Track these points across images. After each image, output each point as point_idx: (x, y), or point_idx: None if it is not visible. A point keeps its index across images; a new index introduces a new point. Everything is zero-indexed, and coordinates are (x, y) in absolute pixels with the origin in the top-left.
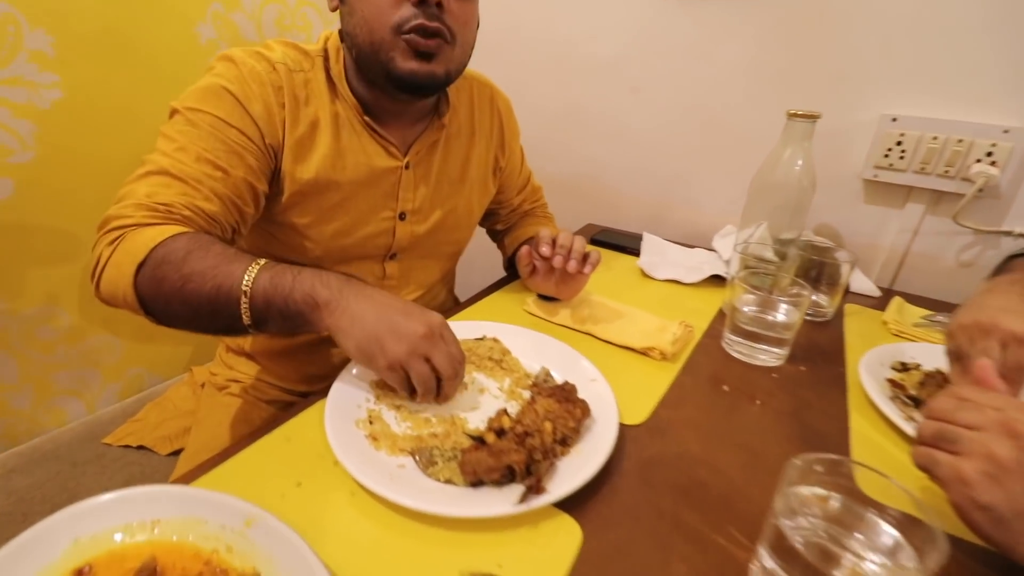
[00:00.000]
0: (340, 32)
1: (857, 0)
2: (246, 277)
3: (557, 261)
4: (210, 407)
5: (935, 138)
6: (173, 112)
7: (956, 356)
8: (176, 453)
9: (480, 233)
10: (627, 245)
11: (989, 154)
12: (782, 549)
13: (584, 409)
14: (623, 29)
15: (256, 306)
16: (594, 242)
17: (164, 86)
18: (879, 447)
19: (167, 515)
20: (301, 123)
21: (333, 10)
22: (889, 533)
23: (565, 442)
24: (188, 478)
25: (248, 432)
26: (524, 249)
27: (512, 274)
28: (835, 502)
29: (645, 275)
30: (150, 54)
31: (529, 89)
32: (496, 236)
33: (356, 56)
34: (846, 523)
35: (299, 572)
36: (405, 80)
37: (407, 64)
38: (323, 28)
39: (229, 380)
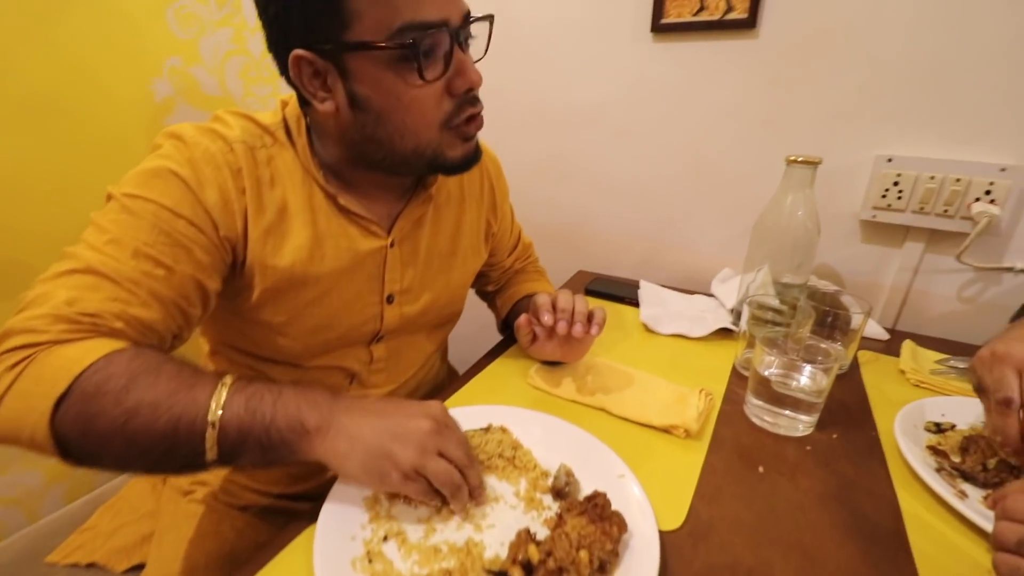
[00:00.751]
0: (303, 104)
1: (845, 42)
2: (213, 404)
3: (561, 327)
4: (173, 516)
5: (932, 177)
6: (109, 198)
7: (979, 390)
8: (135, 569)
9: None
10: (623, 294)
11: (988, 192)
12: None
13: (621, 525)
14: (605, 76)
15: (228, 438)
16: (588, 292)
17: (111, 152)
18: (939, 534)
19: None
20: (267, 209)
21: (330, 113)
22: None
23: (603, 568)
24: None
25: (220, 550)
26: (523, 318)
27: (508, 337)
28: None
29: (648, 330)
30: (95, 115)
31: (511, 141)
32: (487, 296)
33: (381, 157)
34: None
35: None
36: (458, 166)
37: (456, 152)
38: None
39: (194, 483)
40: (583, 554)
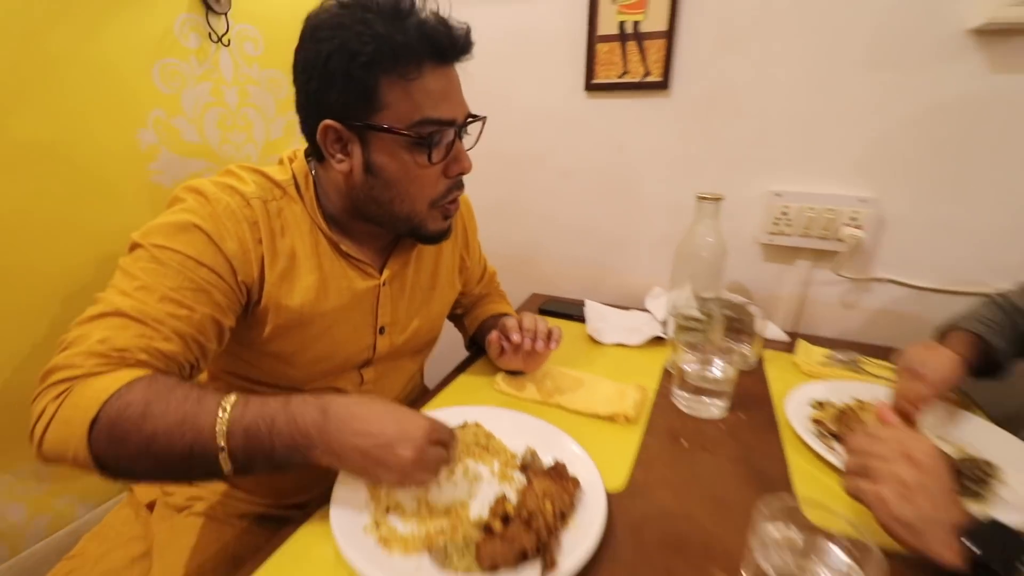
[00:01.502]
0: (317, 160)
1: (739, 100)
2: (218, 431)
3: (527, 344)
4: (170, 533)
5: (812, 208)
6: (135, 246)
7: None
8: None
9: None
10: (571, 312)
11: (854, 219)
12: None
13: (576, 484)
14: (550, 126)
15: (238, 459)
16: (541, 311)
17: (102, 194)
18: (815, 479)
19: None
20: (280, 256)
21: (345, 172)
22: (838, 556)
23: (564, 517)
24: None
25: (225, 555)
26: (493, 335)
27: (474, 353)
28: (794, 535)
29: (594, 341)
30: (89, 161)
31: (474, 184)
32: (455, 318)
33: (379, 215)
34: (805, 552)
35: None
36: (433, 238)
37: (436, 226)
38: (263, 128)
39: (190, 499)
40: (548, 505)
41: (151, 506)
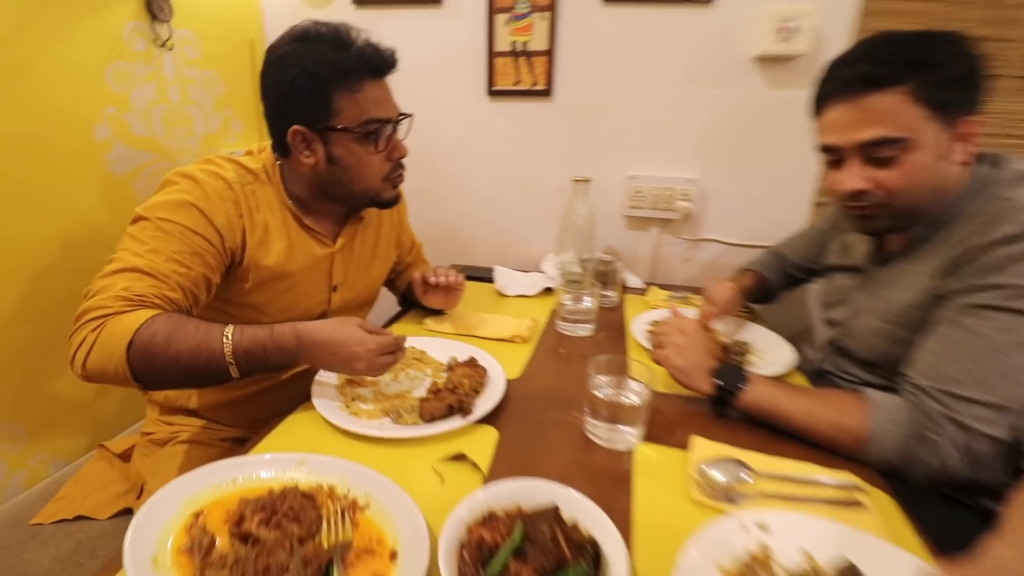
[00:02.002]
0: (280, 155)
1: (604, 105)
2: (226, 351)
3: (442, 281)
4: (157, 463)
5: (657, 187)
6: (140, 218)
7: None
8: (119, 515)
9: None
10: (485, 276)
11: (685, 194)
12: (593, 408)
13: (485, 371)
14: (460, 123)
15: (242, 368)
16: None
17: (65, 180)
18: (640, 354)
19: (240, 475)
20: (257, 228)
21: (311, 164)
22: (638, 388)
23: (477, 390)
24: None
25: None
26: (418, 277)
27: (405, 308)
28: (616, 379)
29: (501, 294)
30: (52, 153)
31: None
32: (389, 284)
33: (341, 193)
34: (622, 388)
35: (359, 477)
36: (388, 203)
37: (390, 194)
38: (203, 122)
39: (172, 433)
40: (466, 381)
41: (124, 455)
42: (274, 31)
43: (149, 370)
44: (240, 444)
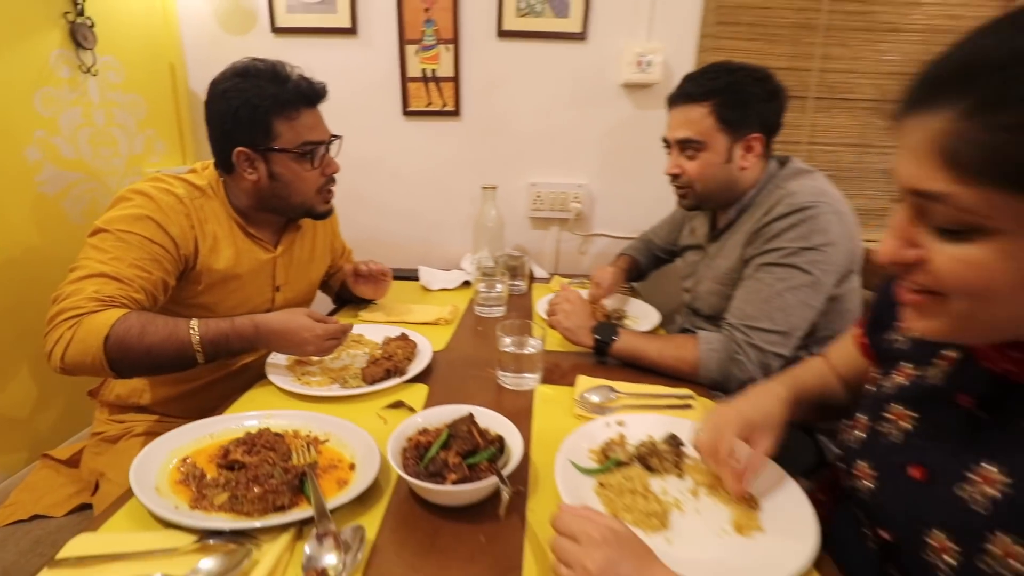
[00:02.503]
0: (224, 172)
1: (506, 122)
2: (193, 340)
3: (374, 268)
4: (114, 454)
5: (553, 192)
6: (100, 230)
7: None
8: (75, 511)
9: None
10: (411, 276)
11: (576, 197)
12: (502, 362)
13: (415, 343)
14: (380, 140)
15: (207, 353)
16: None
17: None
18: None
19: (217, 429)
20: (208, 237)
21: (253, 181)
22: (535, 342)
23: (409, 358)
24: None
25: None
26: (349, 268)
27: (340, 305)
28: (518, 338)
29: (426, 289)
30: None
31: None
32: (324, 286)
33: (281, 206)
34: (523, 345)
35: (318, 422)
36: (322, 215)
37: (323, 207)
38: (127, 144)
39: (124, 431)
40: (399, 351)
41: (71, 462)
42: (193, 56)
43: (125, 359)
44: None
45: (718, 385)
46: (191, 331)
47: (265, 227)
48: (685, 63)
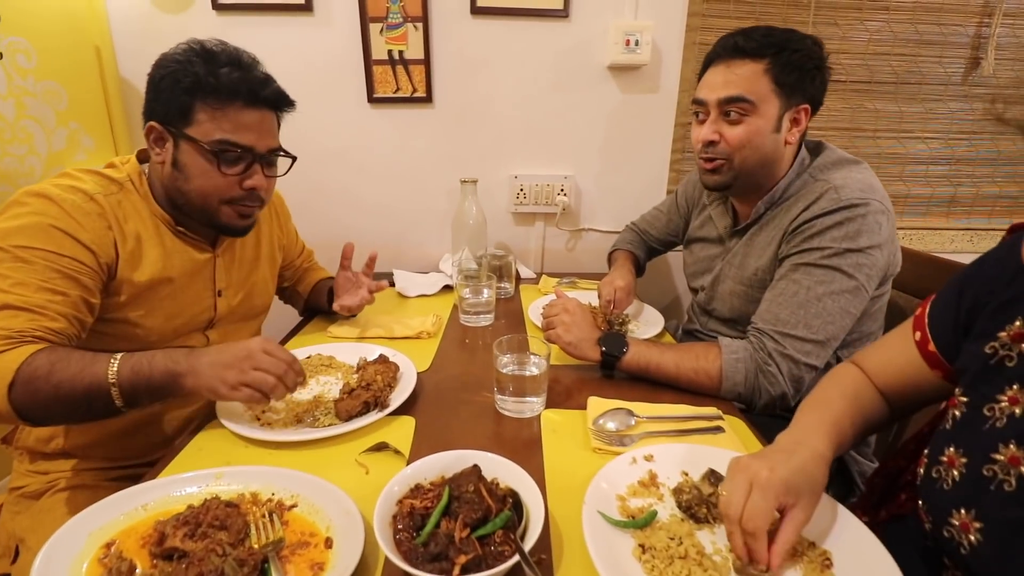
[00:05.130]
0: (144, 163)
1: (485, 109)
2: (110, 372)
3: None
4: (35, 514)
5: (537, 185)
6: None
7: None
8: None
9: None
10: (385, 280)
11: (562, 190)
12: (500, 385)
13: (396, 366)
14: (345, 130)
15: (125, 392)
16: None
17: None
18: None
19: (151, 499)
20: (129, 238)
21: (160, 163)
22: (537, 361)
23: (391, 385)
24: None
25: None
26: (345, 275)
27: (308, 317)
28: (517, 356)
29: (402, 296)
30: None
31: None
32: (286, 291)
33: (182, 202)
34: (523, 363)
35: (282, 479)
36: (226, 230)
37: (231, 221)
38: (45, 139)
39: (49, 482)
40: (379, 377)
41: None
42: (122, 37)
43: (31, 405)
44: (120, 482)
45: (743, 399)
46: (110, 362)
47: (195, 221)
48: (675, 44)
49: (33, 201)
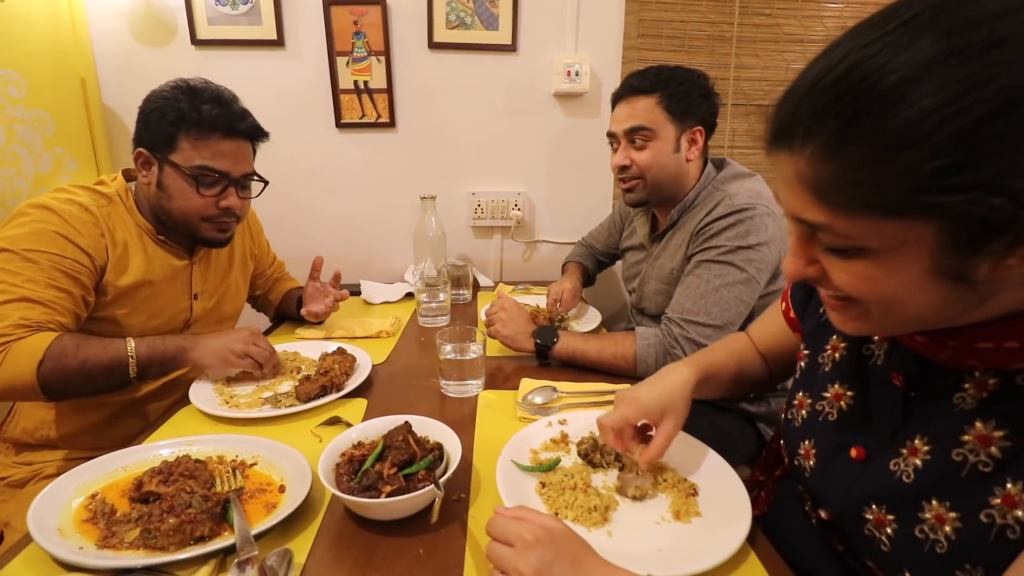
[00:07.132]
0: (131, 181)
1: (443, 132)
2: (128, 348)
3: (336, 291)
4: (21, 500)
5: (493, 200)
6: (1, 250)
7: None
8: None
9: None
10: (353, 290)
11: (516, 205)
12: (443, 370)
13: (353, 357)
14: (314, 152)
15: (141, 364)
16: None
17: None
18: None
19: (130, 461)
20: (118, 245)
21: (146, 184)
22: (475, 348)
23: (347, 373)
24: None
25: None
26: (313, 285)
27: (277, 323)
28: (459, 345)
29: (368, 303)
30: None
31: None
32: (258, 300)
33: (165, 218)
34: (464, 351)
35: (245, 444)
36: (207, 243)
37: (211, 235)
38: (32, 163)
39: (33, 471)
40: (336, 366)
41: None
42: (106, 69)
43: (59, 378)
44: None
45: None
46: (127, 341)
47: (177, 233)
48: (612, 74)
49: (36, 212)
